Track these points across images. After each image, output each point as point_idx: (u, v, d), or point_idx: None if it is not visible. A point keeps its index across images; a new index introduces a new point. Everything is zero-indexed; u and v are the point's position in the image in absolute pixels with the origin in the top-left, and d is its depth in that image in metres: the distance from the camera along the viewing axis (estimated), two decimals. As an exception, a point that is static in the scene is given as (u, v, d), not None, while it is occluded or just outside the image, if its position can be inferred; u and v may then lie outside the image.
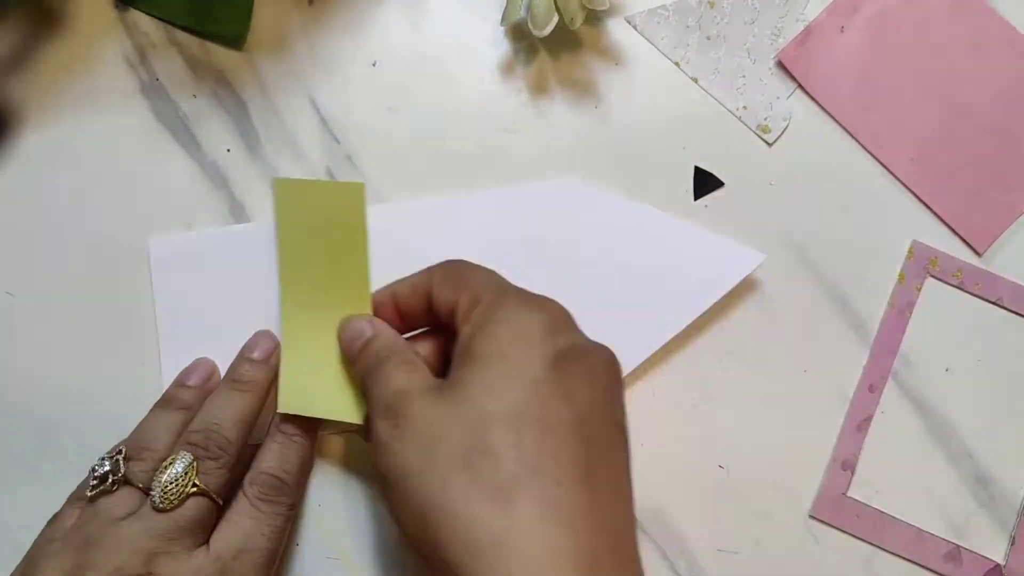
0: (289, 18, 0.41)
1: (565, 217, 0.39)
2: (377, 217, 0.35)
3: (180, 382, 0.36)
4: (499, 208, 0.39)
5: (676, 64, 0.41)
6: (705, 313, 0.38)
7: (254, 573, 0.31)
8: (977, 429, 0.38)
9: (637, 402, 0.38)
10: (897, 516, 0.37)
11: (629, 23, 0.41)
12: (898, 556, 0.37)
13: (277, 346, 0.36)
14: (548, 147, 0.40)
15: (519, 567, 0.24)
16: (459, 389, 0.28)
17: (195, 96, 0.40)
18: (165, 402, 0.35)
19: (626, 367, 0.35)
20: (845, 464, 0.37)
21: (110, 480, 0.31)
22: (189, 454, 0.32)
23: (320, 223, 0.34)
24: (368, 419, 0.32)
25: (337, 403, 0.34)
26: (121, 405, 0.36)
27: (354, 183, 0.34)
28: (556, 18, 0.38)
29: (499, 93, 0.40)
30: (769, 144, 0.40)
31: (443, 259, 0.34)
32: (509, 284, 0.32)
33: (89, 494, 0.31)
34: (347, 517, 0.36)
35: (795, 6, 0.41)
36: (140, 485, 0.31)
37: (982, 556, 0.37)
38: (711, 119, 0.40)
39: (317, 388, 0.34)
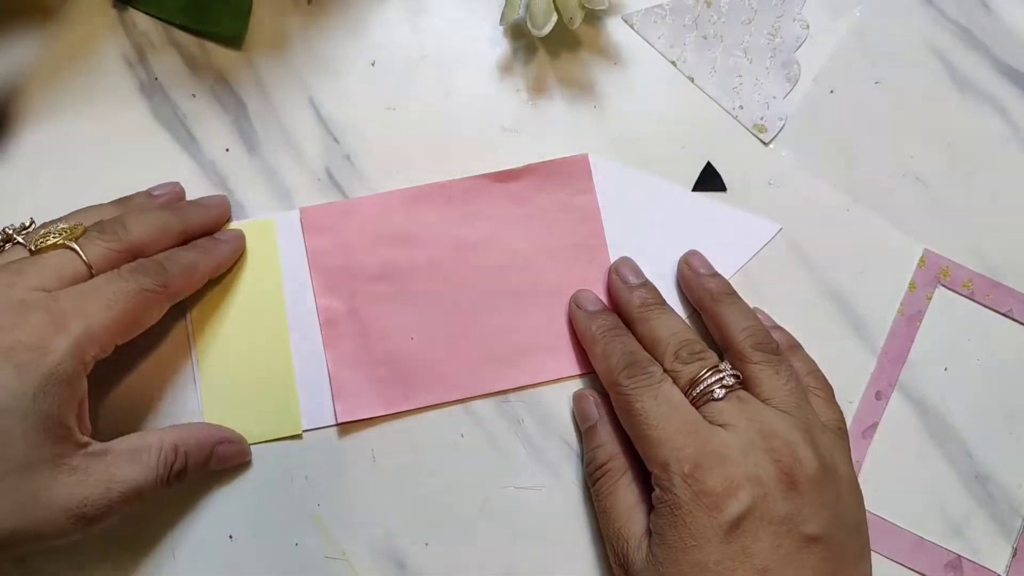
0: (288, 18, 0.41)
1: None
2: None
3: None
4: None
5: (672, 63, 0.41)
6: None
7: (80, 315, 0.29)
8: (977, 429, 0.38)
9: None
10: (898, 520, 0.37)
11: (626, 22, 0.41)
12: (899, 564, 0.37)
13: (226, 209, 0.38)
14: (547, 146, 0.40)
15: None
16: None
17: (194, 96, 0.40)
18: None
19: None
20: None
21: (2, 244, 0.33)
22: (79, 222, 0.33)
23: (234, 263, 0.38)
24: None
25: (255, 425, 0.36)
26: (120, 404, 0.36)
27: (264, 220, 0.38)
28: (555, 18, 0.38)
29: (498, 93, 0.40)
30: (765, 144, 0.40)
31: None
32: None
33: None
34: (347, 517, 0.36)
35: (792, 5, 0.41)
36: (25, 243, 0.32)
37: (983, 567, 0.37)
38: (709, 119, 0.41)
39: (236, 416, 0.36)
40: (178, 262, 0.34)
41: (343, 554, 0.36)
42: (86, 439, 0.30)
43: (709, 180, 0.39)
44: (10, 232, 0.33)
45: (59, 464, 0.29)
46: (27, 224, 0.33)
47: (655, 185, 0.39)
